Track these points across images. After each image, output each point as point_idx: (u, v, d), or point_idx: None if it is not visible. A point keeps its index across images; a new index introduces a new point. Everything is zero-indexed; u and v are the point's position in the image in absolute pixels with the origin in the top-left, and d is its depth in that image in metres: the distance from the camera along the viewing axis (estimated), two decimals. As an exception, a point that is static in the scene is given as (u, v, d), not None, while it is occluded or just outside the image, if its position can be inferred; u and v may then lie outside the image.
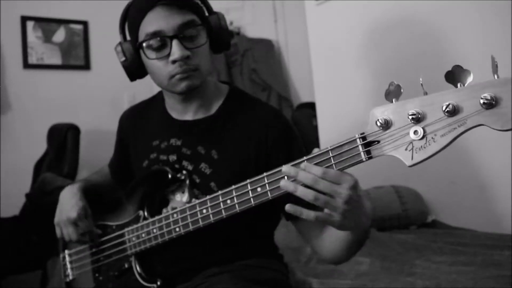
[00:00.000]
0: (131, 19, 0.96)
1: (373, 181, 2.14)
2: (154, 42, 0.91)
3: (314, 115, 2.70)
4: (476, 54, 1.60)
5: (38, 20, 3.05)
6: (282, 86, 3.39)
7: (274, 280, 1.02)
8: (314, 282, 1.40)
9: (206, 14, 1.00)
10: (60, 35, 3.12)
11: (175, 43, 0.90)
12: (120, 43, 1.00)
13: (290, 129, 1.01)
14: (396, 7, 2.10)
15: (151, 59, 0.93)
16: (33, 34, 3.03)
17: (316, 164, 0.72)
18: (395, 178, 2.09)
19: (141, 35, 0.93)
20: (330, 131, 2.45)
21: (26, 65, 2.99)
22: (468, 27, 1.81)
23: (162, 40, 0.91)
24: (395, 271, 1.45)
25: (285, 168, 0.72)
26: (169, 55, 0.91)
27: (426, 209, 1.99)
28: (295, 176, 0.71)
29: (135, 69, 1.00)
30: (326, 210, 0.71)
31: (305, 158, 0.73)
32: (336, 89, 2.43)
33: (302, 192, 0.70)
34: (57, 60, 3.10)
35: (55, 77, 3.10)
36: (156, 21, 0.90)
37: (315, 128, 2.67)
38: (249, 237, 1.04)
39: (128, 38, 1.01)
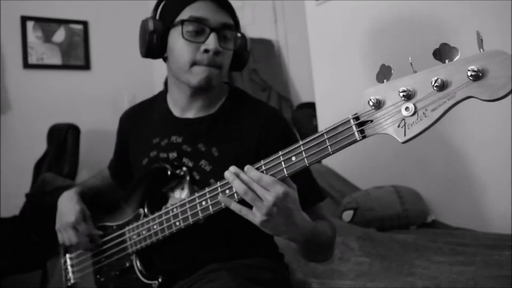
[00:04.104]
0: (175, 1, 1.00)
1: (373, 181, 2.14)
2: (194, 26, 0.96)
3: (314, 115, 2.70)
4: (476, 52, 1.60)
5: (38, 20, 3.05)
6: (282, 86, 3.39)
7: (274, 281, 1.02)
8: (314, 282, 1.40)
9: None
10: (60, 35, 3.13)
11: (213, 35, 0.95)
12: (152, 18, 1.01)
13: (289, 129, 1.04)
14: (396, 7, 2.10)
15: (186, 39, 0.96)
16: (33, 34, 3.03)
17: (313, 146, 0.75)
18: (395, 178, 2.09)
19: (184, 15, 0.97)
20: (330, 131, 2.44)
21: (26, 65, 2.99)
22: (468, 25, 1.81)
23: (202, 28, 0.96)
24: (395, 271, 1.45)
25: (226, 173, 0.80)
26: (202, 43, 0.95)
27: (426, 209, 2.00)
28: (236, 175, 0.79)
29: (156, 45, 1.00)
30: (254, 209, 0.78)
31: (301, 142, 0.75)
32: (336, 89, 2.43)
33: (236, 185, 0.78)
34: (57, 60, 3.10)
35: (55, 77, 3.10)
36: (204, 9, 0.96)
37: (315, 128, 2.67)
38: (248, 235, 1.04)
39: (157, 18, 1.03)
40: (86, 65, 3.19)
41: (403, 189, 2.01)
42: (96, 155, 2.20)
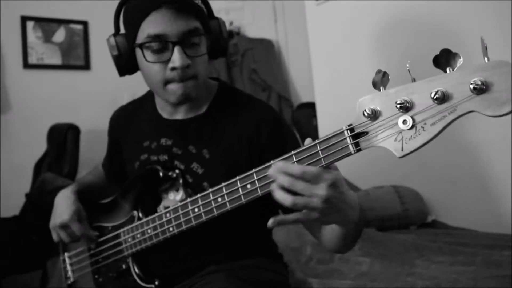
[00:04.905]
0: (131, 14, 0.92)
1: (373, 181, 2.14)
2: (155, 45, 0.88)
3: (314, 115, 2.70)
4: (477, 53, 1.60)
5: (38, 20, 3.05)
6: (282, 86, 3.39)
7: (272, 281, 1.02)
8: (314, 282, 1.40)
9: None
10: (60, 35, 3.12)
11: (177, 50, 0.88)
12: (113, 36, 0.96)
13: (282, 124, 0.99)
14: (396, 7, 2.10)
15: (149, 61, 0.90)
16: (33, 34, 3.03)
17: (305, 158, 0.70)
18: (395, 178, 2.09)
19: (142, 35, 0.89)
20: (330, 131, 2.44)
21: (26, 65, 2.99)
22: (468, 25, 1.81)
23: (163, 44, 0.88)
24: (395, 271, 1.45)
25: (270, 171, 0.70)
26: (168, 60, 0.89)
27: (426, 209, 2.00)
28: (275, 178, 0.68)
29: (126, 65, 0.97)
30: (305, 211, 0.70)
31: (293, 152, 0.71)
32: (336, 89, 2.43)
33: (281, 197, 0.68)
34: (57, 60, 3.10)
35: (55, 77, 3.10)
36: (160, 23, 0.87)
37: (315, 128, 2.67)
38: (246, 236, 1.04)
39: (122, 31, 0.97)
40: (86, 65, 3.19)
41: (403, 189, 2.01)
42: (96, 155, 2.19)
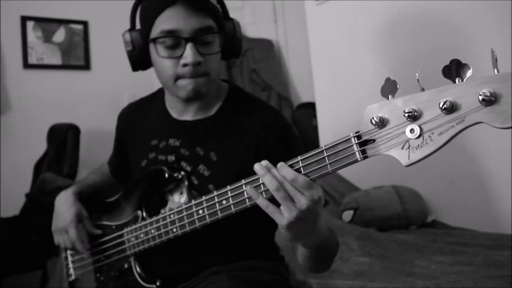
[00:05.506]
0: (146, 10, 0.94)
1: (373, 181, 2.14)
2: (168, 40, 0.90)
3: (314, 115, 2.70)
4: (477, 52, 1.60)
5: (38, 20, 3.05)
6: (282, 86, 3.39)
7: (273, 282, 1.02)
8: (314, 282, 1.40)
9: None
10: (60, 35, 3.13)
11: (189, 46, 0.89)
12: (129, 31, 0.98)
13: (289, 130, 1.00)
14: (395, 7, 2.10)
15: (162, 56, 0.92)
16: (33, 34, 3.03)
17: (311, 163, 0.71)
18: (395, 178, 2.09)
19: (156, 30, 0.91)
20: (330, 131, 2.45)
21: (26, 65, 2.99)
22: (468, 25, 1.81)
23: (176, 40, 0.90)
24: (395, 271, 1.45)
25: (257, 165, 0.73)
26: (181, 56, 0.90)
27: (426, 209, 2.00)
28: (268, 169, 0.72)
29: (140, 60, 0.98)
30: (281, 207, 0.72)
31: (299, 158, 0.72)
32: (336, 89, 2.43)
33: (268, 179, 0.71)
34: (57, 60, 3.10)
35: (55, 77, 3.10)
36: (175, 19, 0.89)
37: (315, 128, 2.67)
38: (249, 238, 1.04)
39: (138, 27, 0.98)
40: (86, 65, 3.20)
41: (403, 189, 2.01)
42: (96, 155, 2.19)
